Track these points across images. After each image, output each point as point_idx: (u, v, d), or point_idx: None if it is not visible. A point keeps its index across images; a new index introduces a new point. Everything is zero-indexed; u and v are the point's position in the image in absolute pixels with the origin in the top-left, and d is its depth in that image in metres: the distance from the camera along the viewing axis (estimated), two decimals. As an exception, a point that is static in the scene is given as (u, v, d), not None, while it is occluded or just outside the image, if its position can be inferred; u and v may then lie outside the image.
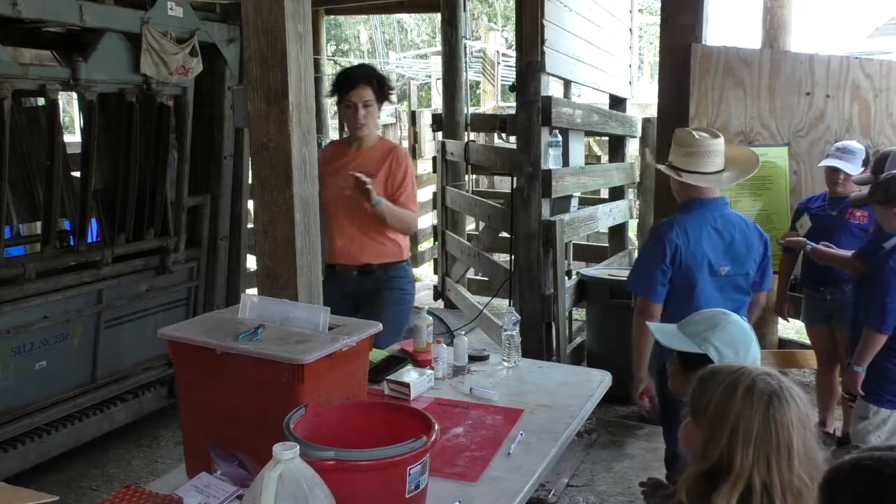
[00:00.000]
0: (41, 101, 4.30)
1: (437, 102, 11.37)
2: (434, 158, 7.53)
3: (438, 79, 10.34)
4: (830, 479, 1.22)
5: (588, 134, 6.84)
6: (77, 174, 4.24)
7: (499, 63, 12.02)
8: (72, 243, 4.24)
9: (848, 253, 3.47)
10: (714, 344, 2.06)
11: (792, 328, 5.37)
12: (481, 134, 8.89)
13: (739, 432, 1.45)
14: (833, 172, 3.80)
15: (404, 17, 19.33)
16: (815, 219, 3.88)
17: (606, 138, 7.19)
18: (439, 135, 7.15)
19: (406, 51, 19.21)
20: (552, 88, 5.10)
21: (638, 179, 6.45)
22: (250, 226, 4.84)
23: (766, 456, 1.44)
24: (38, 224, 4.33)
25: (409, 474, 1.62)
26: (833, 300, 3.82)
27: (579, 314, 6.03)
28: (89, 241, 4.07)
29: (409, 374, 2.61)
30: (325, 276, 3.12)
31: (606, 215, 5.90)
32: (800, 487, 1.44)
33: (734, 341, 2.06)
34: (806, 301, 4.01)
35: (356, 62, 19.72)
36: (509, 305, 4.90)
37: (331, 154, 3.59)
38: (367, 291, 3.41)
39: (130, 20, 3.80)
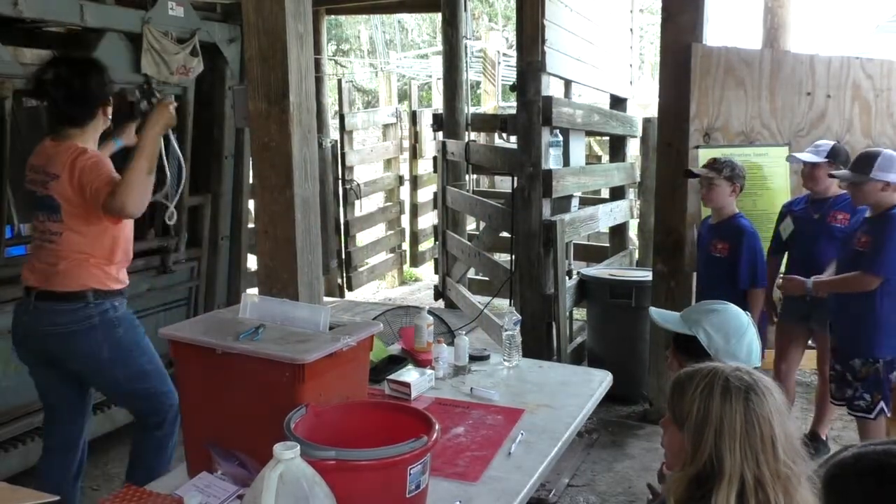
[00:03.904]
0: (42, 101, 4.30)
1: (438, 102, 11.35)
2: (434, 158, 7.54)
3: (439, 79, 10.32)
4: (835, 475, 1.21)
5: (589, 134, 6.83)
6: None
7: (499, 63, 12.00)
8: (72, 243, 4.24)
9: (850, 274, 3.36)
10: (705, 327, 2.10)
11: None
12: (482, 134, 8.88)
13: (725, 432, 1.46)
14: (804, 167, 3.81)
15: (405, 16, 19.32)
16: (797, 221, 3.84)
17: (607, 138, 7.19)
18: (440, 135, 7.15)
19: (407, 51, 19.20)
20: (553, 88, 5.10)
21: (638, 179, 6.45)
22: (251, 225, 4.85)
23: (753, 451, 1.45)
24: (39, 224, 4.33)
25: (410, 474, 1.62)
26: (812, 300, 3.68)
27: (580, 314, 6.03)
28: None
29: (410, 374, 2.61)
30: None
31: (607, 215, 5.91)
32: (787, 474, 1.46)
33: (726, 328, 2.09)
34: (785, 301, 3.95)
35: (357, 62, 19.77)
36: (510, 305, 4.91)
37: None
38: None
39: (131, 20, 3.80)
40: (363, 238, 8.94)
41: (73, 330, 2.65)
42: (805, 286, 3.51)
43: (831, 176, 3.57)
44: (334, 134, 8.33)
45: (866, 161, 3.29)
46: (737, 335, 2.09)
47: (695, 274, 4.24)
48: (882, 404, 3.33)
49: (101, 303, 2.67)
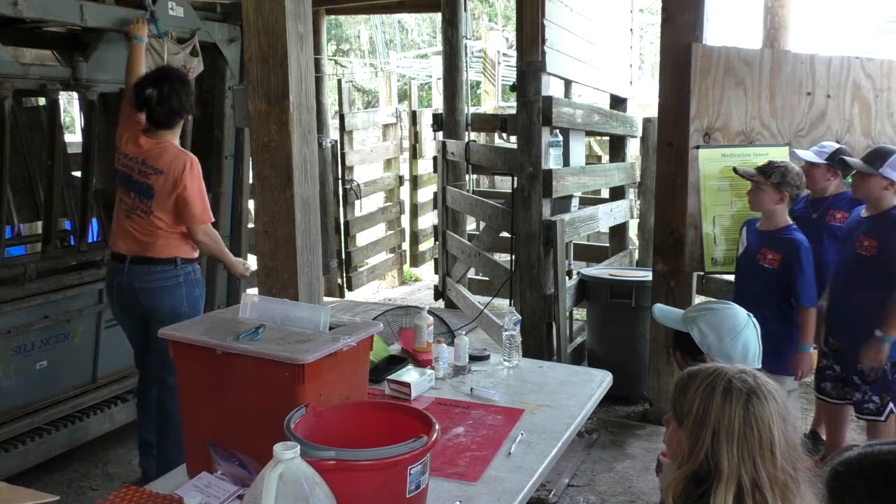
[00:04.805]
0: (42, 101, 4.30)
1: (438, 102, 11.36)
2: (435, 158, 7.53)
3: (439, 79, 10.32)
4: (840, 473, 1.20)
5: (589, 134, 6.83)
6: (77, 174, 4.23)
7: (499, 63, 12.01)
8: (72, 243, 4.24)
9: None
10: (699, 325, 2.10)
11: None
12: (482, 134, 8.88)
13: (722, 433, 1.46)
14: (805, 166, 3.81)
15: (405, 16, 19.32)
16: (796, 221, 3.84)
17: (607, 138, 7.19)
18: (440, 135, 7.15)
19: (407, 51, 19.21)
20: (553, 88, 5.10)
21: (639, 179, 6.45)
22: (251, 225, 4.84)
23: (751, 454, 1.45)
24: (39, 224, 4.34)
25: (410, 474, 1.62)
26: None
27: (580, 314, 6.03)
28: (90, 240, 4.07)
29: (410, 374, 2.62)
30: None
31: (607, 215, 5.90)
32: (785, 480, 1.45)
33: (720, 327, 2.09)
34: None
35: (357, 62, 19.78)
36: (510, 305, 4.91)
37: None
38: None
39: (131, 20, 3.79)
40: (363, 238, 8.93)
41: (163, 286, 3.27)
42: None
43: (842, 162, 3.57)
44: (334, 134, 8.32)
45: (879, 156, 3.30)
46: (731, 334, 2.08)
47: (695, 275, 4.24)
48: (891, 406, 3.33)
49: (185, 267, 3.33)
